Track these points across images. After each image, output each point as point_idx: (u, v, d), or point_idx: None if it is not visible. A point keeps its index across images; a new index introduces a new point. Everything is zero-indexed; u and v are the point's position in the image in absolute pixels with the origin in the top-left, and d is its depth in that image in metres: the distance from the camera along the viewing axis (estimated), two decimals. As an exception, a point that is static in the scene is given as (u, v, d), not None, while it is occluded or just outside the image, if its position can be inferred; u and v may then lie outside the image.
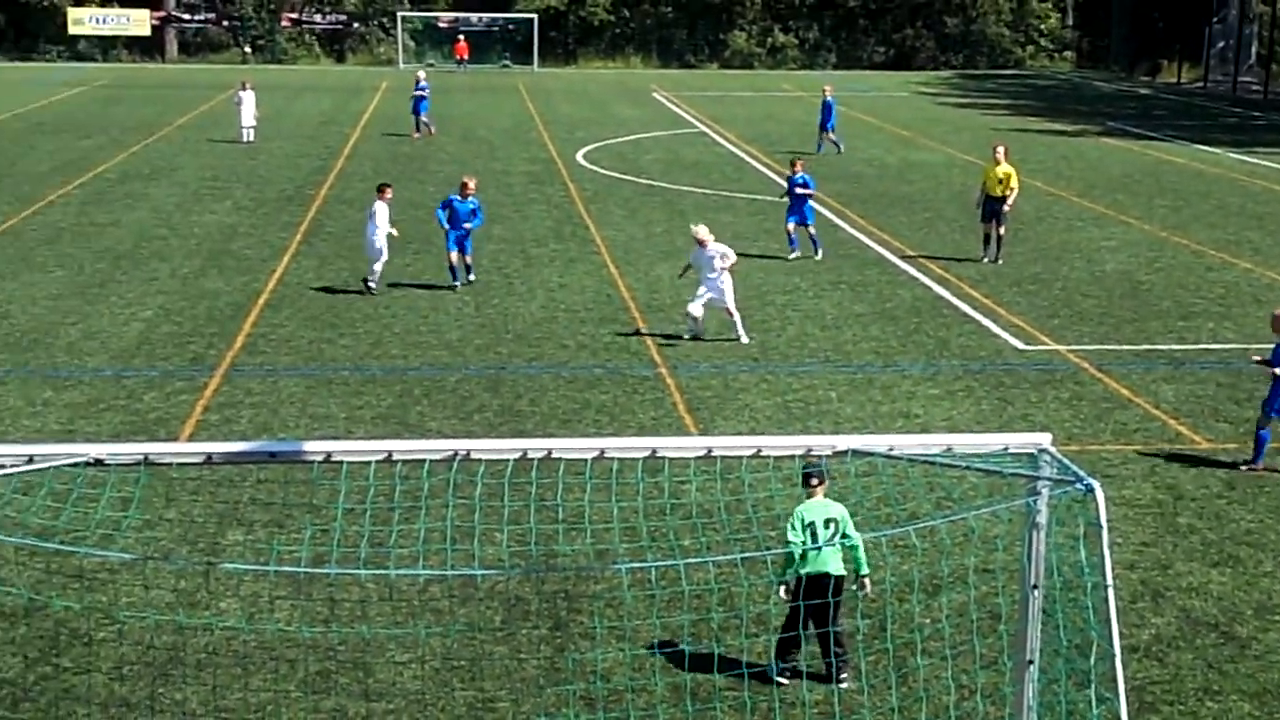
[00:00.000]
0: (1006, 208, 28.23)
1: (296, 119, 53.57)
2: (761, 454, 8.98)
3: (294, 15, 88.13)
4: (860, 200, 36.14)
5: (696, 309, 21.88)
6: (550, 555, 13.74)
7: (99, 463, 8.49)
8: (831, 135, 45.35)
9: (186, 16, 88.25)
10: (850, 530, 11.37)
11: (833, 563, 11.28)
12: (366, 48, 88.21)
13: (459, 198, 24.97)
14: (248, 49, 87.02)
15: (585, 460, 9.04)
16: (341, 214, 32.97)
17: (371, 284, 24.83)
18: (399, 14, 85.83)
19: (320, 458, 8.67)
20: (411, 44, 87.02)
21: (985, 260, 28.30)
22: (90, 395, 18.93)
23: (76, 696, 11.13)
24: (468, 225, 25.09)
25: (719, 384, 19.88)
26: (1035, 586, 9.21)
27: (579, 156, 43.86)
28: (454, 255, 25.11)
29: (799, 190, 28.11)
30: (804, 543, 11.18)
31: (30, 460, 8.48)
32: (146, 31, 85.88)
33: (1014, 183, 28.31)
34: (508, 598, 12.95)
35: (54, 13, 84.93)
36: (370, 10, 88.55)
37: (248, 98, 45.41)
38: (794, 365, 20.80)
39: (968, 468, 9.23)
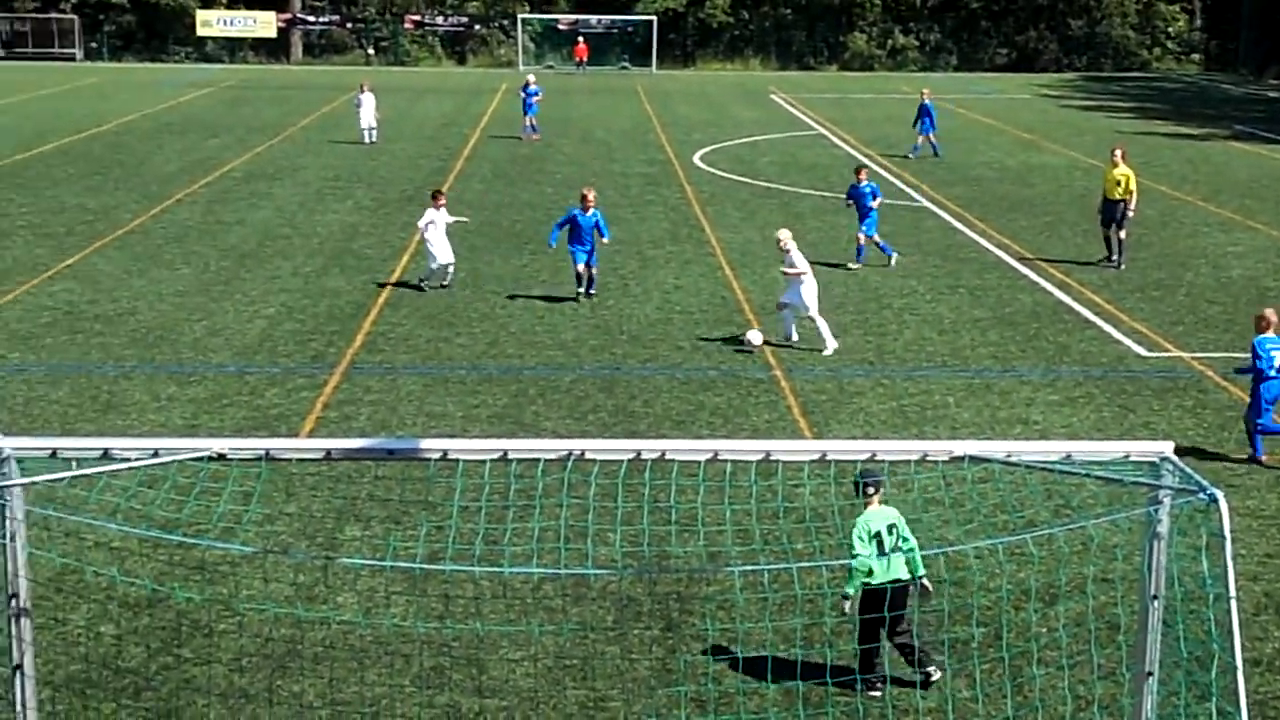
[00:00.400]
0: (1130, 212, 27.80)
1: (417, 120, 54.19)
2: (876, 458, 8.92)
3: (416, 17, 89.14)
4: (980, 203, 35.73)
5: (781, 313, 21.94)
6: (663, 556, 13.75)
7: (221, 457, 8.64)
8: (931, 138, 44.68)
9: (311, 19, 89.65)
10: (907, 533, 11.30)
11: (903, 569, 11.23)
12: (487, 50, 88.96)
13: (581, 211, 24.30)
14: (370, 51, 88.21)
15: (699, 462, 9.04)
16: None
17: (445, 284, 25.36)
18: (519, 16, 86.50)
19: (437, 455, 8.75)
20: (531, 46, 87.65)
21: (1106, 264, 27.88)
22: (214, 391, 19.29)
23: (197, 687, 11.35)
24: (604, 240, 24.87)
25: (834, 387, 19.77)
26: (1155, 597, 9.04)
27: (696, 158, 43.86)
28: (580, 267, 24.58)
29: (871, 204, 27.36)
30: (873, 554, 11.10)
31: (155, 454, 8.66)
32: (272, 33, 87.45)
33: (1132, 185, 27.85)
34: (620, 598, 12.99)
35: (183, 15, 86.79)
36: (491, 13, 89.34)
37: (368, 100, 46.00)
38: (910, 369, 20.62)
39: (1087, 475, 9.08)
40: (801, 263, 21.54)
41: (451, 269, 25.55)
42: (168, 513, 13.28)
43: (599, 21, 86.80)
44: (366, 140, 45.76)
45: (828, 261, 28.09)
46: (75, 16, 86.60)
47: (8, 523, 8.70)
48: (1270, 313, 17.08)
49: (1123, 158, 28.25)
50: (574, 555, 13.38)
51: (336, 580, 13.36)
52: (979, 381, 20.10)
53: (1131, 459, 8.84)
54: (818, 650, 11.96)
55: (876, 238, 27.77)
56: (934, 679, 11.42)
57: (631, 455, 8.78)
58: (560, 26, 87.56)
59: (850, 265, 27.64)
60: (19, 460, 8.63)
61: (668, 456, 8.77)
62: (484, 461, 9.08)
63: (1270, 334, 16.87)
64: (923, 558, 11.49)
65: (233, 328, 22.61)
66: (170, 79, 73.26)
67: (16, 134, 47.44)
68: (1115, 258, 27.88)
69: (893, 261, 27.74)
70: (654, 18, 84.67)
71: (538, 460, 9.02)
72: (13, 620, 8.95)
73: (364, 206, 34.30)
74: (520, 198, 35.80)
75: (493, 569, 12.96)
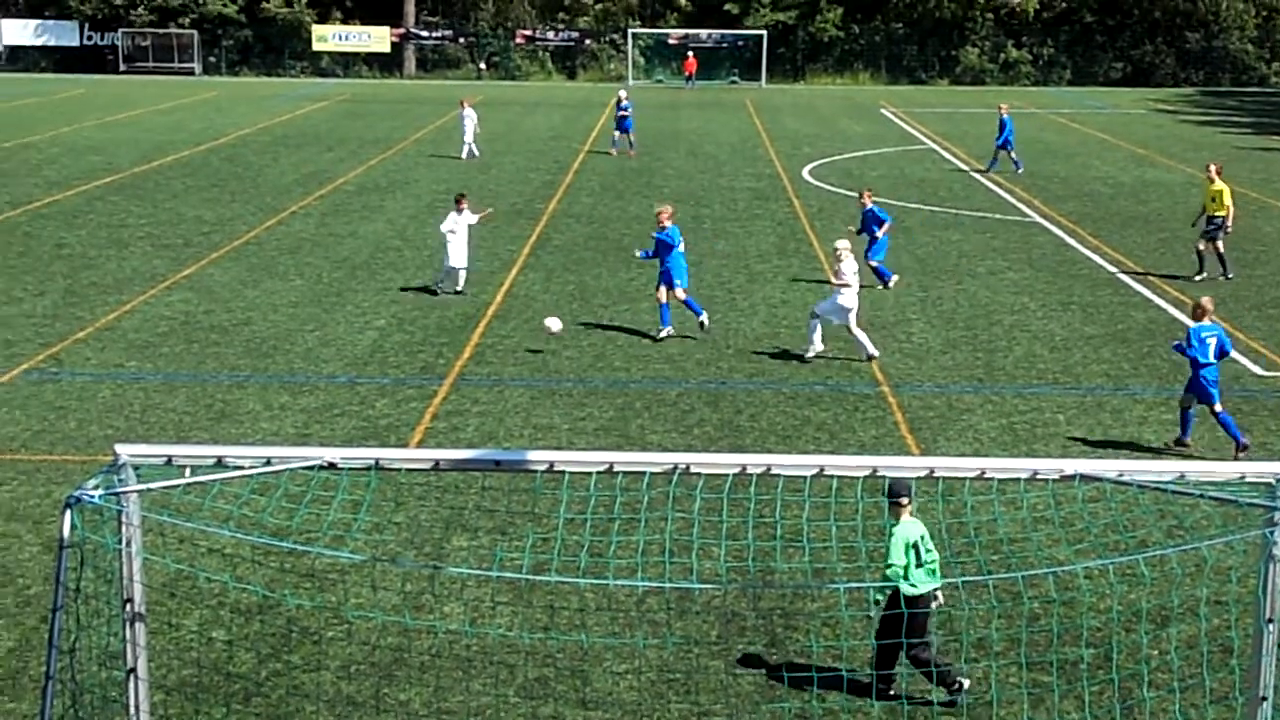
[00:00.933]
0: (1228, 228, 27.70)
1: (527, 134, 54.59)
2: (985, 476, 8.82)
3: (528, 32, 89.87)
4: (1093, 219, 35.24)
5: (811, 321, 21.92)
6: (767, 572, 13.70)
7: (332, 466, 8.76)
8: (1011, 154, 43.98)
9: (425, 33, 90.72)
10: (931, 545, 11.23)
11: (932, 580, 11.19)
12: (597, 64, 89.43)
13: (662, 230, 23.19)
14: (482, 65, 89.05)
15: (804, 478, 9.01)
16: (569, 228, 33.46)
17: (458, 289, 25.90)
18: (630, 31, 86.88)
19: (543, 467, 8.81)
20: (641, 60, 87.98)
21: (1199, 279, 27.55)
22: (325, 401, 19.56)
23: (305, 693, 11.49)
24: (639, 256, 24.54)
25: (942, 404, 19.60)
26: (1270, 620, 8.85)
27: (805, 173, 43.73)
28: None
29: (876, 230, 26.55)
30: (910, 564, 11.04)
31: (268, 462, 8.81)
32: (386, 48, 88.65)
33: (1227, 200, 27.77)
34: (724, 613, 12.96)
35: (299, 29, 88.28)
36: (602, 27, 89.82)
37: (469, 115, 46.46)
38: (1021, 386, 20.37)
39: (1201, 496, 8.92)
40: (851, 276, 21.38)
41: (464, 275, 26.03)
42: (279, 520, 13.49)
43: (709, 36, 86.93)
44: (465, 156, 46.11)
45: (935, 275, 27.87)
46: (194, 31, 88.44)
47: (124, 528, 8.88)
48: (1207, 301, 17.85)
49: (1218, 173, 28.36)
50: (678, 569, 13.38)
51: (443, 590, 13.47)
52: (1091, 399, 19.81)
53: (1247, 480, 8.67)
54: (924, 669, 11.84)
55: (873, 263, 26.74)
56: (965, 687, 11.37)
57: (737, 470, 8.77)
58: (670, 41, 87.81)
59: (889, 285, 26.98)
60: (135, 467, 8.81)
61: (773, 471, 8.75)
62: (590, 474, 9.11)
63: (1205, 321, 17.46)
64: (1032, 577, 11.36)
65: (344, 338, 22.91)
66: (286, 93, 74.48)
67: (137, 147, 48.48)
68: (1224, 271, 27.70)
69: (890, 284, 26.84)
70: (764, 32, 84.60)
71: (643, 473, 9.04)
72: (128, 624, 9.13)
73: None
74: (628, 211, 35.90)
75: (598, 581, 13.00)
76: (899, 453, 17.36)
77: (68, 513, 8.63)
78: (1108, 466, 8.84)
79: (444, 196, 37.94)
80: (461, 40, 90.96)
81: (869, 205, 26.98)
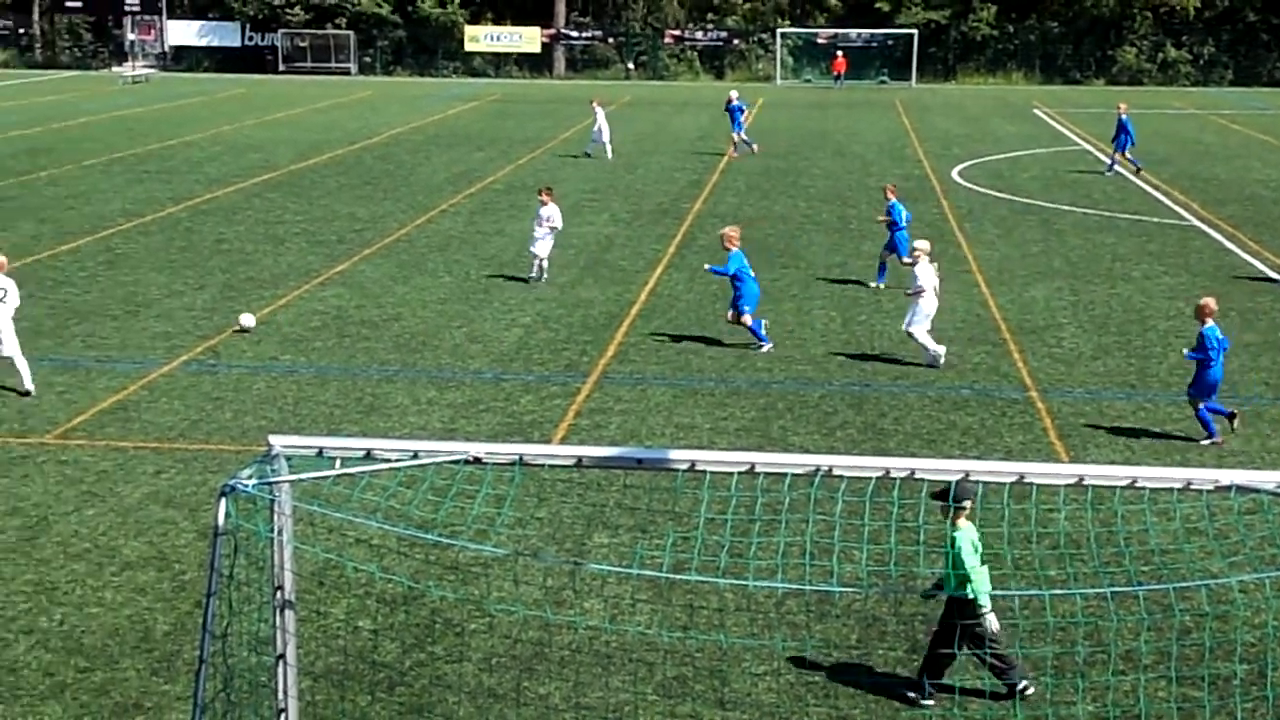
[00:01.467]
0: None
1: (674, 134, 54.68)
2: (1137, 485, 8.63)
3: (676, 32, 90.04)
4: (1254, 223, 34.29)
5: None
6: (909, 577, 13.56)
7: (477, 461, 8.86)
8: (1127, 155, 42.95)
9: (575, 34, 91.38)
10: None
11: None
12: (745, 64, 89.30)
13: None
14: (630, 66, 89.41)
15: (949, 482, 8.89)
16: (714, 228, 33.41)
17: (533, 276, 26.92)
18: (778, 30, 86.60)
19: (684, 466, 8.81)
20: (790, 60, 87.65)
21: None
22: (471, 396, 19.80)
23: (448, 684, 11.65)
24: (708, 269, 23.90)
25: (1093, 410, 19.22)
26: None
27: (954, 173, 43.19)
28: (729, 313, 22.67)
29: (901, 223, 26.25)
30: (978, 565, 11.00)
31: (415, 456, 8.93)
32: (537, 49, 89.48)
33: None
34: (864, 617, 12.86)
35: (452, 30, 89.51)
36: (751, 27, 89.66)
37: (600, 114, 46.72)
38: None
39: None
40: (925, 278, 20.96)
41: (540, 263, 26.93)
42: (425, 513, 13.68)
43: (858, 36, 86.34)
44: (591, 153, 46.35)
45: (1087, 279, 27.35)
46: (350, 32, 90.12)
47: (276, 518, 9.08)
48: (1210, 301, 18.19)
49: None
50: (819, 571, 13.30)
51: (584, 586, 13.56)
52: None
53: None
54: (1069, 679, 11.64)
55: (887, 257, 26.61)
56: (1030, 691, 11.26)
57: (880, 473, 8.69)
58: (819, 41, 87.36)
59: (872, 285, 26.75)
60: (288, 458, 9.00)
61: (917, 475, 8.66)
62: (731, 474, 9.09)
63: (1210, 322, 17.84)
64: (1184, 589, 11.12)
65: (490, 335, 23.16)
66: (438, 93, 75.51)
67: (294, 145, 49.52)
68: None
69: (875, 286, 26.49)
70: (915, 31, 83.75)
71: (785, 475, 9.00)
72: (278, 611, 9.33)
73: (620, 219, 34.75)
74: (774, 210, 35.80)
75: (737, 582, 12.98)
76: (1047, 459, 17.07)
77: (222, 501, 8.83)
78: (1265, 478, 8.59)
79: (590, 196, 38.21)
80: (610, 40, 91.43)
81: (892, 200, 26.69)
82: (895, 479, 8.67)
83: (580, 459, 9.03)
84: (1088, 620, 12.47)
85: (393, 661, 12.01)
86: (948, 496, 10.92)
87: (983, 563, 11.06)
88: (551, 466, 9.59)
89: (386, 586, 13.26)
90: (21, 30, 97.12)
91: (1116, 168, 43.12)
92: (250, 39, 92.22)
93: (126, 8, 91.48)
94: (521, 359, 21.75)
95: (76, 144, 48.81)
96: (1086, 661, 11.91)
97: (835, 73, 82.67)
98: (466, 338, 22.99)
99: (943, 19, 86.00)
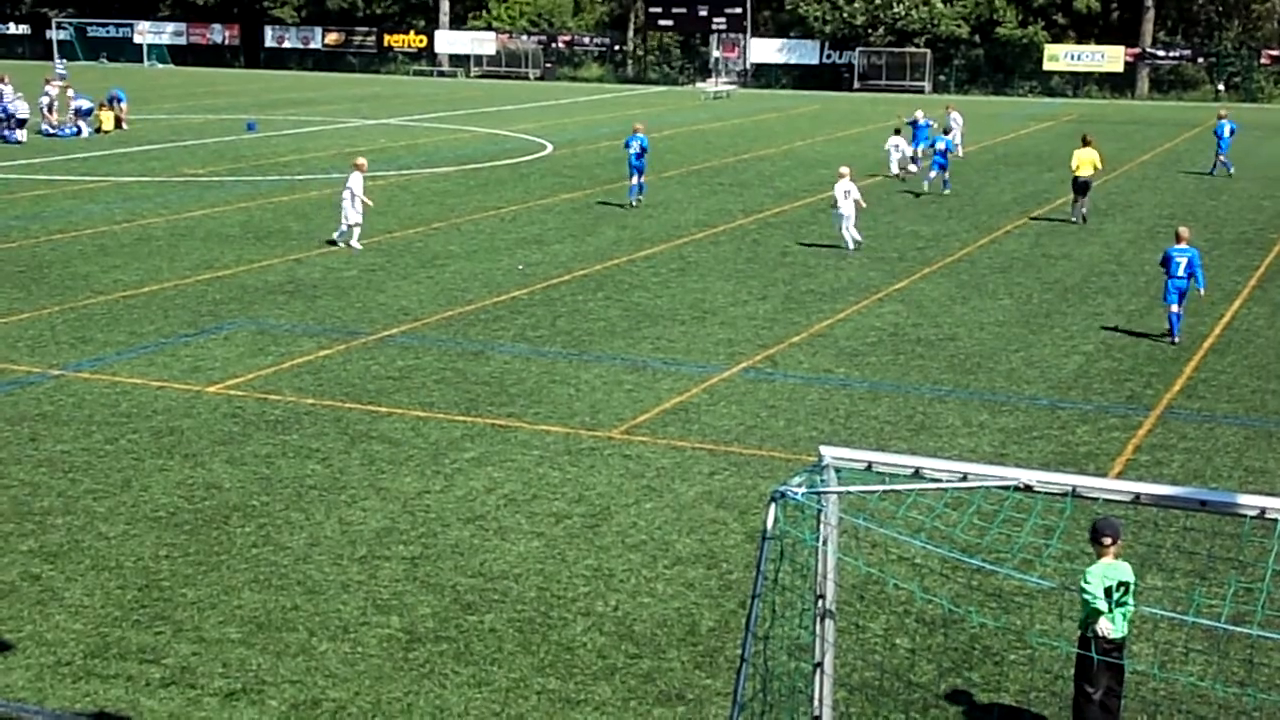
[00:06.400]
0: None
1: (1266, 160, 51.43)
2: None
3: (1275, 52, 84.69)
4: None
5: None
6: None
7: (1028, 489, 8.67)
8: (1221, 158, 43.08)
9: (1161, 54, 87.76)
10: (1131, 594, 10.11)
11: (1125, 627, 10.15)
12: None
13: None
14: (1220, 87, 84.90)
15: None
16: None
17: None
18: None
19: (1253, 512, 8.28)
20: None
21: None
22: (1024, 422, 19.37)
23: (983, 713, 11.43)
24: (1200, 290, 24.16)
25: None
26: None
27: None
28: (1173, 307, 23.72)
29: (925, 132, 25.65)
30: (1107, 606, 10.01)
31: (963, 478, 8.84)
32: (1119, 68, 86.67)
33: None
34: None
35: (1031, 50, 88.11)
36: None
37: (955, 119, 48.78)
38: None
39: None
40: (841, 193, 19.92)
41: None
42: (969, 537, 13.50)
43: None
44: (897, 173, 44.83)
45: None
46: (927, 50, 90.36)
47: (822, 527, 9.22)
48: (1184, 230, 23.82)
49: None
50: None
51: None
52: None
53: None
54: None
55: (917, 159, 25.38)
56: None
57: None
58: None
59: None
60: (837, 470, 9.12)
61: None
62: (1305, 526, 8.45)
63: (1181, 245, 23.48)
64: None
65: (1049, 361, 22.58)
66: (1012, 111, 74.42)
67: (862, 161, 50.06)
68: None
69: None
70: None
71: (1368, 532, 8.27)
72: (818, 619, 9.47)
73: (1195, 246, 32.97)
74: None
75: (1305, 642, 12.04)
76: None
77: (772, 506, 9.04)
78: None
79: (1168, 220, 36.53)
80: (1200, 60, 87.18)
81: (922, 122, 27.18)
82: None
83: (1138, 495, 8.66)
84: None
85: (929, 683, 11.92)
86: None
87: (1117, 605, 10.17)
88: (1106, 500, 9.23)
89: (926, 607, 13.18)
90: (616, 47, 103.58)
91: (1217, 170, 43.61)
92: (828, 56, 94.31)
93: (714, 26, 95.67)
94: (1080, 387, 21.08)
95: (659, 156, 51.36)
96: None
97: None
98: (1023, 362, 22.52)
99: None
